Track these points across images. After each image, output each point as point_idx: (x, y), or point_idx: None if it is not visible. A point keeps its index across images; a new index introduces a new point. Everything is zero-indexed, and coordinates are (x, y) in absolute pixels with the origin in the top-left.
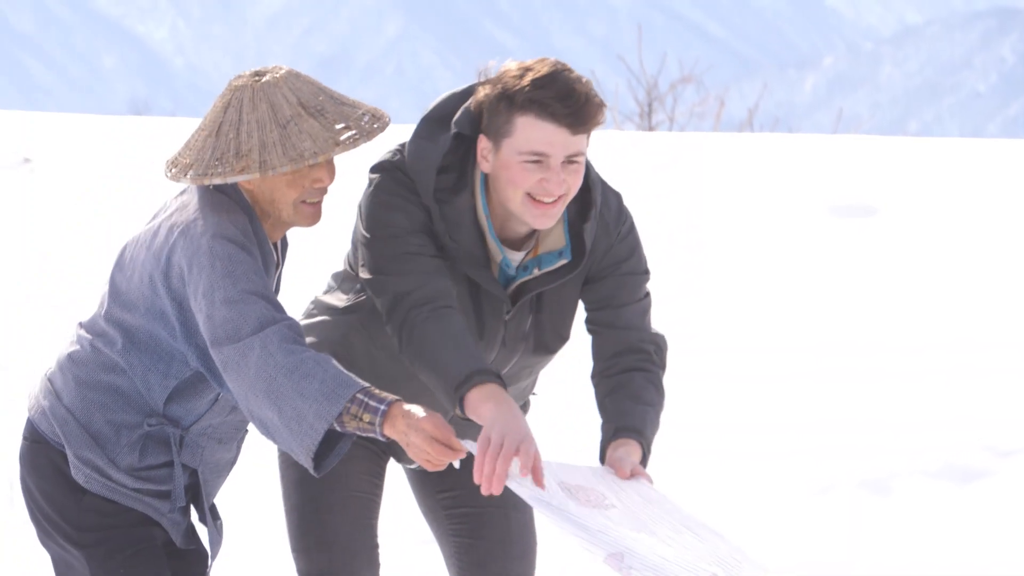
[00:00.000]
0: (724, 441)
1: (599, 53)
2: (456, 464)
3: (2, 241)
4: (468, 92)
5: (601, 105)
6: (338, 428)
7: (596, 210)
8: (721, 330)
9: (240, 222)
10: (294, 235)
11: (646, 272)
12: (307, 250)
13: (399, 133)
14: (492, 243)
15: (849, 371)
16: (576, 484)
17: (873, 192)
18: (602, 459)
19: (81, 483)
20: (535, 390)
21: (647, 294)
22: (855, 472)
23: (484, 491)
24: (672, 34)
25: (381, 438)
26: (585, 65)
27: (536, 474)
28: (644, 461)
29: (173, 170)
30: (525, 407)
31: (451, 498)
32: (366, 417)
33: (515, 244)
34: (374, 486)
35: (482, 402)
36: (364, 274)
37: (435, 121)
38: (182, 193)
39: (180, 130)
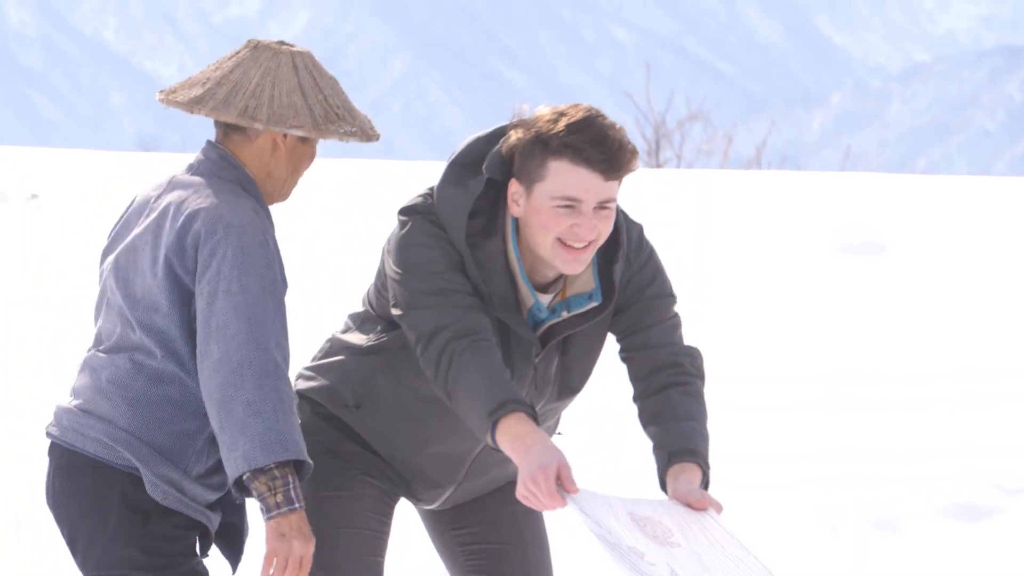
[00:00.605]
0: (731, 470)
1: (606, 90)
2: None
3: (8, 275)
4: (495, 136)
5: (634, 152)
6: (245, 483)
7: (624, 251)
8: (728, 360)
9: (264, 222)
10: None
11: (672, 295)
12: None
13: (407, 170)
14: (524, 287)
15: (856, 401)
16: (645, 515)
17: (881, 230)
18: (663, 486)
19: (159, 500)
20: (559, 429)
21: (675, 314)
22: (863, 508)
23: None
24: (680, 71)
25: (263, 516)
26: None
27: (572, 486)
28: (706, 478)
29: (254, 117)
30: None
31: (467, 535)
32: (277, 497)
33: (543, 287)
34: (382, 524)
35: (512, 431)
36: (397, 310)
37: (463, 166)
38: (170, 182)
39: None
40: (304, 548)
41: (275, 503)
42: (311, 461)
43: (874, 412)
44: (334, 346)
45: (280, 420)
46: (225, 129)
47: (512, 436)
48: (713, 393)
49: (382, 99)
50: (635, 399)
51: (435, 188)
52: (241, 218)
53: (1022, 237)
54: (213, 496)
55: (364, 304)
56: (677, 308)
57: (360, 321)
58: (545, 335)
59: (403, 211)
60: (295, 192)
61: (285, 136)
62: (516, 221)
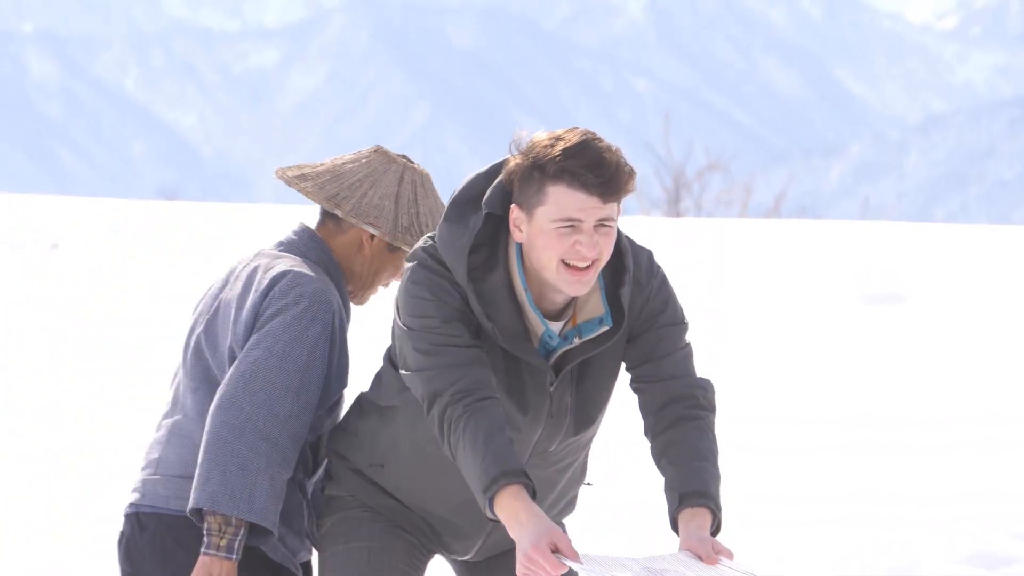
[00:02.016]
0: (750, 513)
1: (626, 140)
2: None
3: (27, 322)
4: (493, 172)
5: (631, 173)
6: (203, 513)
7: (630, 275)
8: (748, 404)
9: (334, 305)
10: None
11: (684, 322)
12: None
13: None
14: (532, 315)
15: (875, 445)
16: (660, 568)
17: (900, 279)
18: (673, 526)
19: (270, 555)
20: (588, 479)
21: (687, 344)
22: (882, 553)
23: None
24: (699, 122)
25: (202, 547)
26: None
27: (574, 554)
28: (716, 521)
29: (339, 205)
30: (572, 502)
31: None
32: (222, 541)
33: (552, 315)
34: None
35: (507, 507)
36: (402, 371)
37: (464, 203)
38: (257, 255)
39: (208, 214)
40: None
41: (217, 545)
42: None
43: (893, 457)
44: (361, 404)
45: (258, 483)
46: (322, 216)
47: (507, 513)
48: (732, 436)
49: (401, 150)
50: (647, 433)
51: (437, 227)
52: (316, 294)
53: None
54: (305, 550)
55: (386, 360)
56: (689, 336)
57: (381, 378)
58: (558, 364)
59: (408, 258)
60: None
61: (372, 237)
62: (520, 250)
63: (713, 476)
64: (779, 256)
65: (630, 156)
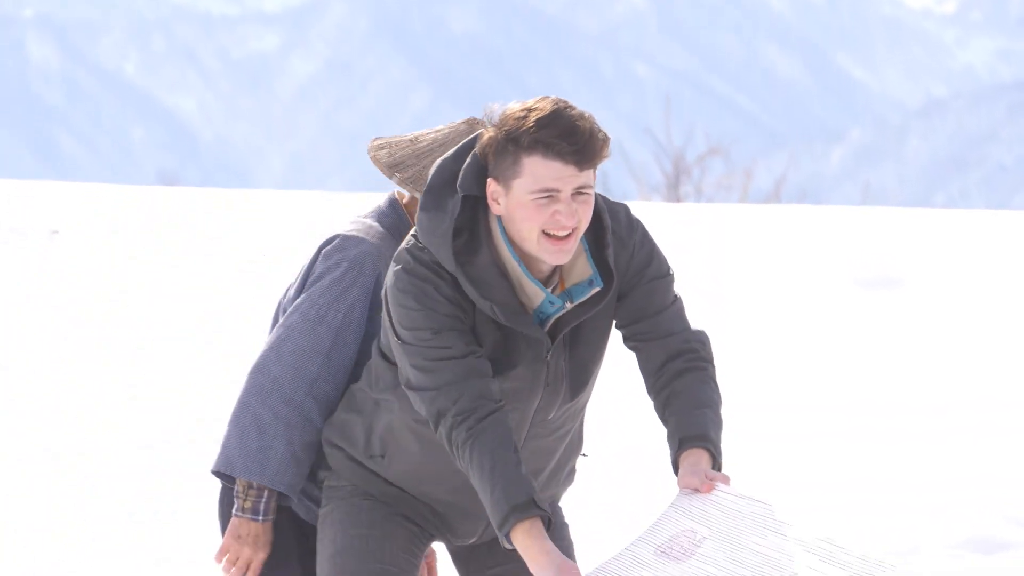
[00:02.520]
0: None
1: (626, 126)
2: None
3: (27, 308)
4: (461, 154)
5: (606, 139)
6: (228, 484)
7: (611, 233)
8: (744, 390)
9: (382, 269)
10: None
11: (670, 274)
12: None
13: None
14: (529, 286)
15: (871, 431)
16: (667, 538)
17: (898, 264)
18: (675, 470)
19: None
20: (584, 450)
21: (677, 296)
22: (878, 539)
23: None
24: (699, 107)
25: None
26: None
27: None
28: (716, 464)
29: (397, 171)
30: (572, 472)
31: (503, 573)
32: (247, 503)
33: (540, 283)
34: (411, 564)
35: (522, 544)
36: (404, 387)
37: (438, 190)
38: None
39: (208, 200)
40: (253, 555)
41: (242, 507)
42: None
43: (891, 443)
44: (355, 396)
45: (273, 446)
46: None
47: (522, 549)
48: (729, 421)
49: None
50: (649, 391)
51: (416, 219)
52: (358, 258)
53: None
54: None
55: (376, 354)
56: (677, 287)
57: (372, 371)
58: (551, 331)
59: (394, 259)
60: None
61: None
62: (502, 223)
63: (714, 422)
64: (778, 241)
65: (630, 142)
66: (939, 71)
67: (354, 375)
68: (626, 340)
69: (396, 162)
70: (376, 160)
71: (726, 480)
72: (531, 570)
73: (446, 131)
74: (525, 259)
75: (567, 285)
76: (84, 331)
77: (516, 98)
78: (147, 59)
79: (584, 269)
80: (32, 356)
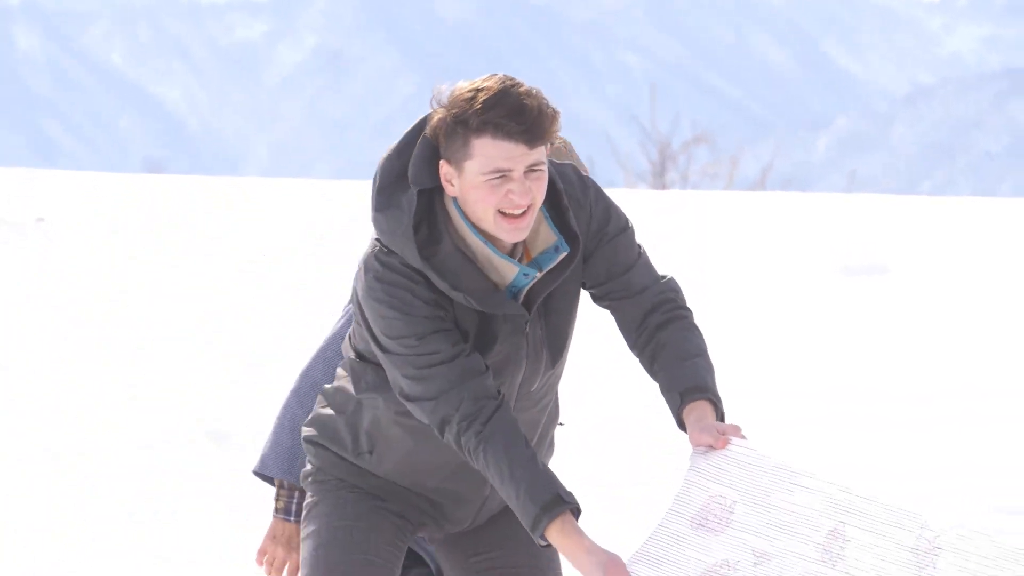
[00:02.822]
0: None
1: (613, 113)
2: None
3: (14, 296)
4: (405, 149)
5: (555, 115)
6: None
7: (564, 197)
8: (729, 377)
9: None
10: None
11: (629, 226)
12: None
13: None
14: (501, 262)
15: (857, 419)
16: (698, 508)
17: (885, 251)
18: (680, 426)
19: None
20: (561, 419)
21: (642, 248)
22: None
23: None
24: (685, 95)
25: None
26: (598, 125)
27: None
28: (719, 412)
29: None
30: (552, 443)
31: (486, 560)
32: (279, 504)
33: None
34: (394, 556)
35: (558, 543)
36: (399, 396)
37: (389, 188)
38: None
39: (194, 188)
40: (287, 556)
41: (276, 507)
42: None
43: (876, 431)
44: (335, 396)
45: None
46: None
47: (561, 549)
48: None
49: (388, 123)
50: (633, 348)
51: (372, 223)
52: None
53: None
54: None
55: (347, 351)
56: (639, 238)
57: (351, 370)
58: (525, 302)
59: (363, 267)
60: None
61: None
62: (458, 204)
63: (708, 370)
64: (764, 229)
65: (617, 129)
66: (926, 58)
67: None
68: (599, 300)
69: None
70: None
71: (737, 431)
72: (576, 568)
73: None
74: (488, 237)
75: (533, 255)
76: (84, 331)
77: None
78: (134, 48)
79: (548, 236)
80: (32, 356)
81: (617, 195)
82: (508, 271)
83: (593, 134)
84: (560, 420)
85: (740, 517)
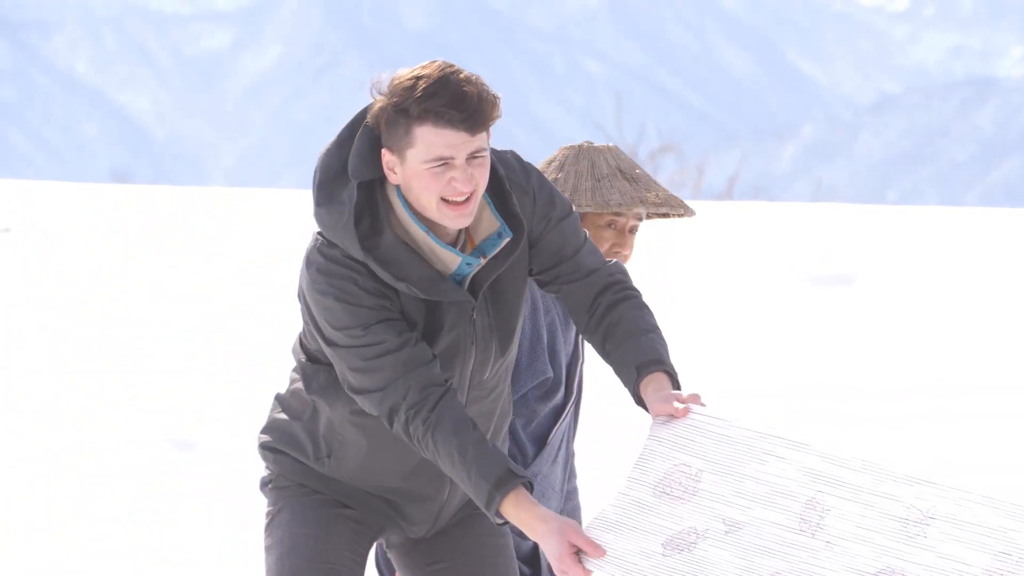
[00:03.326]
0: None
1: (578, 122)
2: None
3: (16, 295)
4: (344, 143)
5: (495, 101)
6: None
7: (506, 183)
8: (698, 384)
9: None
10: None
11: (572, 211)
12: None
13: None
14: (443, 252)
15: (824, 426)
16: (662, 476)
17: (851, 260)
18: (638, 402)
19: None
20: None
21: (585, 232)
22: None
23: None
24: (651, 104)
25: None
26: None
27: (595, 549)
28: (676, 384)
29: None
30: (507, 440)
31: (442, 569)
32: None
33: (449, 244)
34: (355, 563)
35: (514, 517)
36: (347, 390)
37: (330, 183)
38: None
39: (160, 197)
40: None
41: None
42: None
43: (843, 436)
44: (290, 402)
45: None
46: None
47: (517, 522)
48: None
49: None
50: (584, 330)
51: (314, 217)
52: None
53: (992, 268)
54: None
55: (298, 354)
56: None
57: (302, 373)
58: (471, 289)
59: (304, 263)
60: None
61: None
62: (401, 194)
63: (663, 345)
64: (731, 238)
65: (582, 138)
66: (891, 67)
67: (529, 405)
68: (547, 285)
69: None
70: None
71: (697, 399)
72: (533, 539)
73: (559, 157)
74: (431, 225)
75: (476, 242)
76: (84, 331)
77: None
78: (99, 57)
79: (491, 222)
80: (32, 356)
81: None
82: (451, 260)
83: (559, 143)
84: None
85: (708, 486)
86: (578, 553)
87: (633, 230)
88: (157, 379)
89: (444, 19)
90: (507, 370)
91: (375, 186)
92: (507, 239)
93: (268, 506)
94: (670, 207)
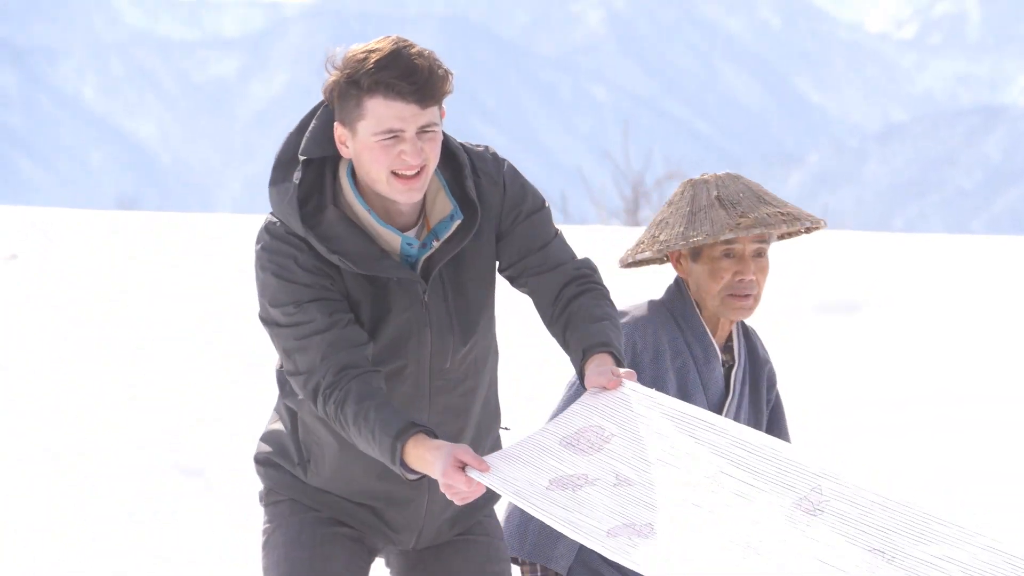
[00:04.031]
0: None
1: (585, 150)
2: None
3: (28, 309)
4: (303, 126)
5: (446, 75)
6: None
7: (468, 168)
8: None
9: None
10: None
11: (546, 206)
12: None
13: None
14: (383, 231)
15: (828, 453)
16: (573, 432)
17: (857, 288)
18: (581, 380)
19: None
20: (504, 423)
21: (557, 229)
22: None
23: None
24: (658, 131)
25: None
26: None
27: (481, 464)
28: (620, 363)
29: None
30: (497, 443)
31: None
32: None
33: (405, 228)
34: None
35: (414, 459)
36: (286, 375)
37: (285, 164)
38: None
39: (167, 224)
40: None
41: None
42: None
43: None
44: (279, 411)
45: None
46: None
47: (417, 463)
48: None
49: None
50: (547, 321)
51: (268, 196)
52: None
53: (998, 295)
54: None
55: (277, 362)
56: (555, 220)
57: (277, 376)
58: (426, 273)
59: (255, 242)
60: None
61: (677, 259)
62: (353, 175)
63: (614, 332)
64: None
65: (590, 165)
66: (898, 95)
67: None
68: (517, 280)
69: (636, 249)
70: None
71: (632, 376)
72: (431, 475)
73: (673, 205)
74: (384, 203)
75: (432, 225)
76: (84, 331)
77: (476, 121)
78: (106, 83)
79: (445, 205)
80: (32, 356)
81: (591, 232)
82: (392, 239)
83: (566, 170)
84: (505, 424)
85: (614, 448)
86: (464, 469)
87: (760, 254)
88: (157, 379)
89: (451, 46)
90: (477, 365)
91: (327, 164)
92: (458, 221)
93: (264, 523)
94: (787, 224)
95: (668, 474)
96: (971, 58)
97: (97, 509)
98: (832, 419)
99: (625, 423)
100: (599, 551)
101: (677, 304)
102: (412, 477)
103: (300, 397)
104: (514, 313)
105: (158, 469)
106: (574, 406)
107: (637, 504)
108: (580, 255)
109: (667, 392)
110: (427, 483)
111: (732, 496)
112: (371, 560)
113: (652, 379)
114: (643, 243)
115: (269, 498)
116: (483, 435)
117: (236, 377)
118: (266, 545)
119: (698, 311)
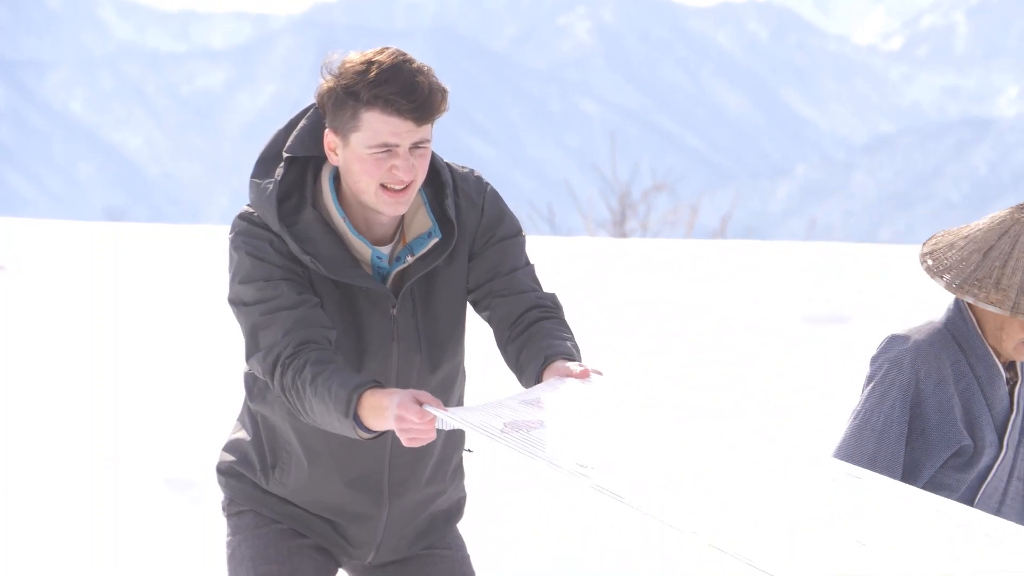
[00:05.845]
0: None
1: (573, 162)
2: None
3: (14, 294)
4: (292, 125)
5: (444, 94)
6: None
7: (450, 188)
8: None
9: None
10: None
11: (522, 234)
12: None
13: None
14: (356, 241)
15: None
16: (535, 397)
17: (845, 300)
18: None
19: None
20: (468, 445)
21: (529, 259)
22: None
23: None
24: (646, 144)
25: None
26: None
27: (435, 401)
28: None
29: (929, 262)
30: (459, 467)
31: None
32: None
33: (382, 240)
34: None
35: (368, 409)
36: (246, 359)
37: (269, 160)
38: None
39: (154, 236)
40: None
41: None
42: None
43: None
44: (243, 418)
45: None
46: None
47: (371, 415)
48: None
49: None
50: (500, 343)
51: (248, 189)
52: (896, 358)
53: None
54: None
55: (245, 366)
56: (529, 251)
57: (245, 381)
58: (397, 287)
59: (230, 230)
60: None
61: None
62: (335, 180)
63: (577, 353)
64: (725, 278)
65: (577, 178)
66: (885, 108)
67: (943, 470)
68: (480, 304)
69: (940, 269)
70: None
71: (600, 373)
72: (385, 417)
73: (989, 223)
74: (364, 212)
75: (408, 239)
76: (71, 343)
77: (464, 133)
78: (94, 96)
79: (424, 222)
80: (18, 367)
81: (578, 243)
82: (363, 251)
83: (553, 182)
84: (468, 447)
85: (574, 408)
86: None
87: None
88: (144, 391)
89: (440, 59)
90: (444, 385)
91: (309, 165)
92: (435, 240)
93: (227, 535)
94: None
95: (626, 448)
96: (958, 71)
97: (97, 509)
98: (821, 430)
99: (587, 400)
100: (564, 469)
101: (959, 326)
102: (365, 435)
103: (260, 378)
104: (487, 337)
105: (145, 481)
106: (543, 385)
107: (591, 448)
108: (571, 266)
109: (953, 416)
110: (387, 497)
111: (704, 445)
112: (336, 571)
113: (937, 406)
114: (992, 291)
115: (231, 508)
116: (447, 457)
117: (224, 389)
118: (232, 559)
119: (980, 332)
